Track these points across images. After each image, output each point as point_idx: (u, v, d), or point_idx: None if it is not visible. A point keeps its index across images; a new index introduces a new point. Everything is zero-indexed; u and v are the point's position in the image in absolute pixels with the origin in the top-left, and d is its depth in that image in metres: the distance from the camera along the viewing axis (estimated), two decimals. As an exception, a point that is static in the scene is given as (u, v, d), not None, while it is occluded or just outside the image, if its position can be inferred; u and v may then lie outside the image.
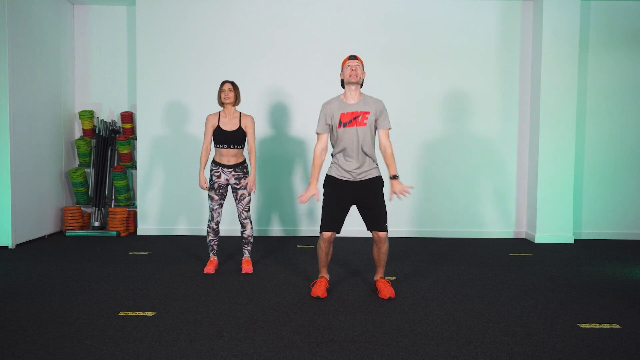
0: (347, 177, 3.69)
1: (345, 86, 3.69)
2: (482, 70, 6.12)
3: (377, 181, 3.74)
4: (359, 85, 3.68)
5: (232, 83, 4.38)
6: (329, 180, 3.77)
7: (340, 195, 3.73)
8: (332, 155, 3.78)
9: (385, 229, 3.73)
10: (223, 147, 4.33)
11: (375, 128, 3.71)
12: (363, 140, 3.63)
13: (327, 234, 3.73)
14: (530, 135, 6.12)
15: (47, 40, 5.95)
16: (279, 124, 6.14)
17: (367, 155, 3.67)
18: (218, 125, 4.33)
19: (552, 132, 5.86)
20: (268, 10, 6.11)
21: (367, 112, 3.63)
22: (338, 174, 3.72)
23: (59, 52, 6.17)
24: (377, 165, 3.76)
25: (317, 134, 3.77)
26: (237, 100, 4.39)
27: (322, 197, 3.84)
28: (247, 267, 4.43)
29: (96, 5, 6.42)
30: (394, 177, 3.71)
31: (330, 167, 3.79)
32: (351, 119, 3.62)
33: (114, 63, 6.50)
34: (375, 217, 3.71)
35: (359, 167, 3.67)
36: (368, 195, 3.71)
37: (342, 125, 3.64)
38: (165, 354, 2.73)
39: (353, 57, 3.65)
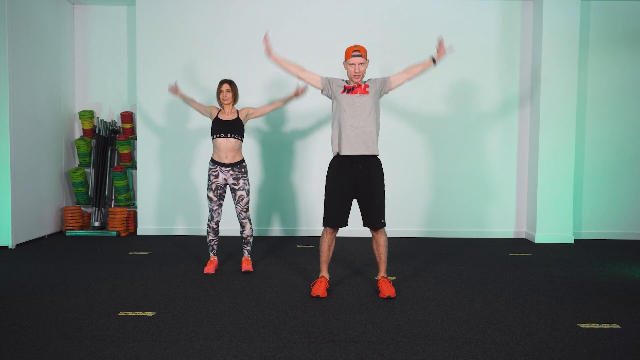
0: (349, 150, 3.69)
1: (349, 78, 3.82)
2: (481, 70, 6.12)
3: (379, 174, 3.78)
4: None
5: (230, 83, 4.42)
6: (332, 171, 3.80)
7: (343, 187, 3.75)
8: (333, 139, 3.79)
9: (381, 226, 3.76)
10: (221, 137, 4.33)
11: (390, 84, 3.86)
12: (366, 107, 3.70)
13: (330, 228, 3.78)
14: (530, 135, 6.12)
15: (47, 40, 5.95)
16: (278, 123, 6.14)
17: (368, 120, 3.69)
18: (217, 117, 4.40)
19: (552, 132, 5.86)
20: (268, 10, 6.11)
21: (368, 85, 3.79)
22: (340, 149, 3.72)
23: (59, 52, 6.17)
24: (377, 145, 3.75)
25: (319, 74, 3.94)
26: (235, 100, 4.44)
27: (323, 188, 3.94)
28: (247, 265, 4.44)
29: (96, 5, 6.42)
30: (434, 59, 3.94)
31: (333, 148, 3.80)
32: (354, 87, 3.76)
33: (114, 63, 6.50)
34: (373, 213, 3.75)
35: (362, 132, 3.68)
36: (369, 190, 3.74)
37: (345, 91, 3.76)
38: (165, 354, 2.73)
39: (357, 53, 3.70)
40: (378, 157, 3.82)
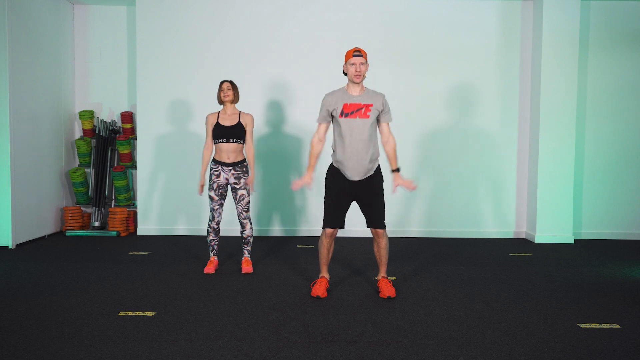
0: (347, 175, 3.69)
1: (349, 82, 3.71)
2: (482, 70, 6.12)
3: (378, 177, 3.77)
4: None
5: (231, 82, 4.43)
6: (331, 174, 3.78)
7: (342, 190, 3.74)
8: (333, 150, 3.76)
9: (383, 227, 3.76)
10: (222, 142, 4.34)
11: (378, 121, 3.75)
12: (365, 133, 3.62)
13: (329, 230, 3.77)
14: (530, 135, 6.12)
15: (47, 40, 5.95)
16: (279, 123, 6.14)
17: (368, 149, 3.64)
18: (217, 122, 4.39)
19: (552, 132, 5.86)
20: (268, 10, 6.11)
21: (371, 105, 3.65)
22: (339, 168, 3.72)
23: (59, 52, 6.17)
24: (377, 158, 3.74)
25: (318, 123, 3.80)
26: (236, 98, 4.44)
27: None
28: (247, 267, 4.44)
29: (96, 5, 6.42)
30: (396, 170, 3.78)
31: (332, 161, 3.79)
32: (354, 110, 3.63)
33: (114, 63, 6.50)
34: (375, 214, 3.75)
35: (360, 162, 3.63)
36: (368, 192, 3.74)
37: (343, 115, 3.63)
38: (165, 354, 2.73)
39: (357, 54, 3.64)
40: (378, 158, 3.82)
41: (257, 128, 6.08)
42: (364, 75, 3.67)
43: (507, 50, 6.13)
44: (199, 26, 6.11)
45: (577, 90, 5.90)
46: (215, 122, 4.39)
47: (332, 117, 3.72)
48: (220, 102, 4.43)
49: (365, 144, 3.62)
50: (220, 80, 4.49)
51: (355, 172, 3.66)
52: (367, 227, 3.83)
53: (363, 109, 3.63)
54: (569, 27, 5.82)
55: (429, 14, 6.11)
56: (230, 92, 4.38)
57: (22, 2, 5.47)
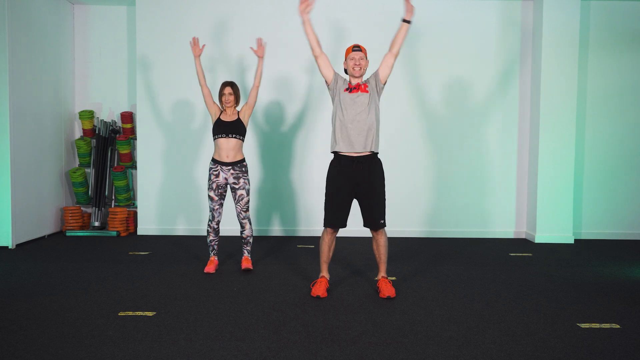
0: (349, 150, 3.69)
1: (349, 77, 3.80)
2: (481, 70, 6.12)
3: (379, 173, 3.78)
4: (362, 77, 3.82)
5: (232, 85, 4.43)
6: (332, 170, 3.79)
7: (343, 187, 3.74)
8: (334, 139, 3.77)
9: (381, 226, 3.76)
10: (222, 137, 4.36)
11: (382, 85, 3.83)
12: (365, 105, 3.70)
13: (330, 229, 3.78)
14: (530, 135, 6.12)
15: (47, 40, 5.95)
16: (279, 122, 6.14)
17: (369, 116, 3.69)
18: (219, 118, 4.42)
19: (552, 132, 5.86)
20: (268, 10, 6.11)
21: (367, 84, 3.79)
22: (341, 145, 3.71)
23: (59, 52, 6.17)
24: (378, 142, 3.76)
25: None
26: (237, 103, 4.46)
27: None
28: (246, 263, 4.46)
29: (96, 5, 6.42)
30: (404, 20, 4.03)
31: (333, 144, 3.78)
32: (354, 87, 3.76)
33: (114, 63, 6.50)
34: (374, 212, 3.76)
35: (362, 127, 3.67)
36: (370, 189, 3.74)
37: (347, 90, 3.75)
38: (165, 354, 2.73)
39: (357, 49, 3.72)
40: (378, 156, 3.82)
41: (257, 127, 6.09)
42: (364, 70, 3.73)
43: (507, 50, 6.13)
44: (199, 26, 6.11)
45: (577, 91, 5.90)
46: (217, 117, 4.42)
47: (333, 93, 3.81)
48: (222, 105, 4.46)
49: (367, 114, 3.69)
50: (222, 82, 4.48)
51: (357, 139, 3.67)
52: (364, 226, 3.83)
53: (362, 86, 3.76)
54: (569, 27, 5.82)
55: (429, 14, 6.11)
56: (232, 98, 4.41)
57: (22, 2, 5.47)
